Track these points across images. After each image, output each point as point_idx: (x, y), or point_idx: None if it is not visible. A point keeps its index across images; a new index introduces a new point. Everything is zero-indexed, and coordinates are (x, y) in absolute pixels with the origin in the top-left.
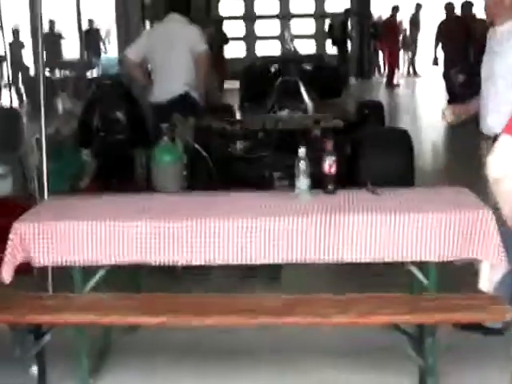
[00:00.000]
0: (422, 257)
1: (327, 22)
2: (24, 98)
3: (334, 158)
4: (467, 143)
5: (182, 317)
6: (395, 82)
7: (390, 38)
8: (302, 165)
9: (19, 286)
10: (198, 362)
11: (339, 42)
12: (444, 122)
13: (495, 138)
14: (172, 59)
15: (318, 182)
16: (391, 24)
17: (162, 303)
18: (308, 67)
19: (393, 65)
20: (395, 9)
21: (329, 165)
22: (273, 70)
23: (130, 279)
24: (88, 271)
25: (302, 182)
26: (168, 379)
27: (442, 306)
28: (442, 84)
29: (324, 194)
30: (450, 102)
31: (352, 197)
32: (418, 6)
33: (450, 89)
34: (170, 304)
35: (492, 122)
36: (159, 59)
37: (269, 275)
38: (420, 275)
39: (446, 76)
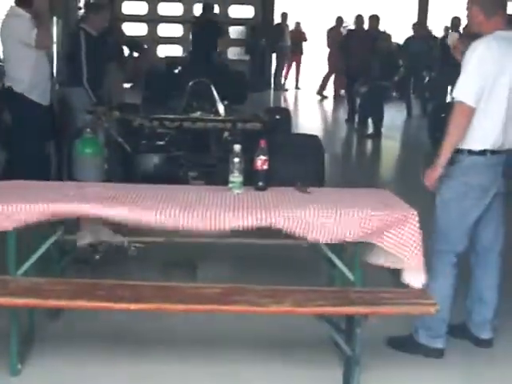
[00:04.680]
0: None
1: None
2: None
3: (266, 156)
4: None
5: (120, 302)
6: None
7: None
8: (237, 160)
9: None
10: (123, 348)
11: (252, 50)
12: None
13: None
14: (4, 53)
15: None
16: (296, 34)
17: (98, 288)
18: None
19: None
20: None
21: (261, 162)
22: (176, 71)
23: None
24: (20, 256)
25: (236, 177)
26: (98, 364)
27: (371, 299)
28: None
29: (255, 190)
30: (349, 115)
31: (283, 193)
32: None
33: (349, 99)
34: (105, 289)
35: None
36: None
37: (185, 272)
38: (347, 271)
39: (348, 87)
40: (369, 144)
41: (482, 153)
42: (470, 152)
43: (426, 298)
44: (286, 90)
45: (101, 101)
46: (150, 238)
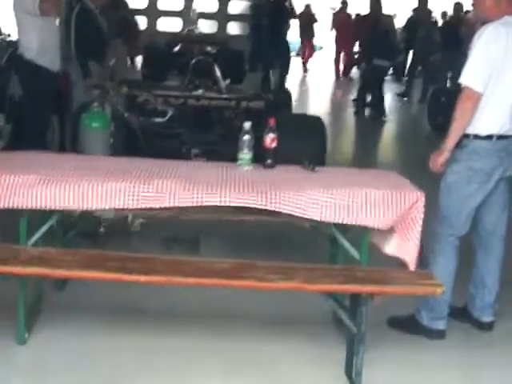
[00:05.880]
0: (358, 222)
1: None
2: None
3: (275, 134)
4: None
5: (131, 274)
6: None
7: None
8: (246, 137)
9: None
10: (129, 321)
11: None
12: None
13: None
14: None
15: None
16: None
17: (108, 260)
18: (212, 49)
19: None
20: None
21: (270, 140)
22: (176, 48)
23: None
24: (31, 226)
25: (245, 154)
26: (104, 336)
27: (378, 278)
28: None
29: (264, 168)
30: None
31: (291, 172)
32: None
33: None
34: (115, 261)
35: None
36: None
37: (188, 248)
38: (352, 250)
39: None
40: (371, 125)
41: (488, 137)
42: (476, 137)
43: (432, 279)
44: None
45: (89, 73)
46: (154, 213)
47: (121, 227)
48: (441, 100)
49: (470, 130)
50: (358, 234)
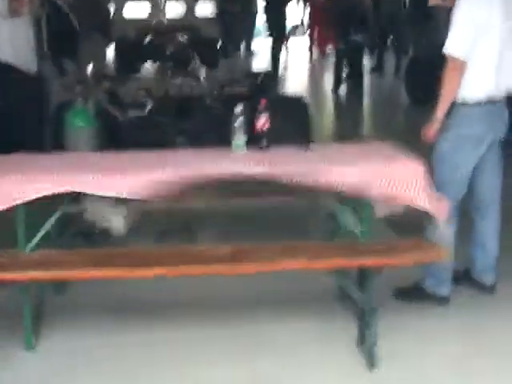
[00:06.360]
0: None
1: None
2: None
3: (267, 116)
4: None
5: (133, 268)
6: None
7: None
8: (239, 121)
9: None
10: (138, 317)
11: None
12: None
13: None
14: None
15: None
16: None
17: (110, 256)
18: (183, 37)
19: None
20: None
21: (262, 122)
22: (147, 39)
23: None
24: (30, 231)
25: (239, 138)
26: (112, 333)
27: (384, 250)
28: None
29: (259, 150)
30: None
31: (288, 152)
32: None
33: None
34: (117, 257)
35: None
36: None
37: (185, 238)
38: (354, 224)
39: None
40: (350, 101)
41: (476, 103)
42: (464, 103)
43: (436, 245)
44: (254, 53)
45: (64, 72)
46: (149, 205)
47: None
48: (416, 71)
49: (458, 97)
50: (359, 208)
